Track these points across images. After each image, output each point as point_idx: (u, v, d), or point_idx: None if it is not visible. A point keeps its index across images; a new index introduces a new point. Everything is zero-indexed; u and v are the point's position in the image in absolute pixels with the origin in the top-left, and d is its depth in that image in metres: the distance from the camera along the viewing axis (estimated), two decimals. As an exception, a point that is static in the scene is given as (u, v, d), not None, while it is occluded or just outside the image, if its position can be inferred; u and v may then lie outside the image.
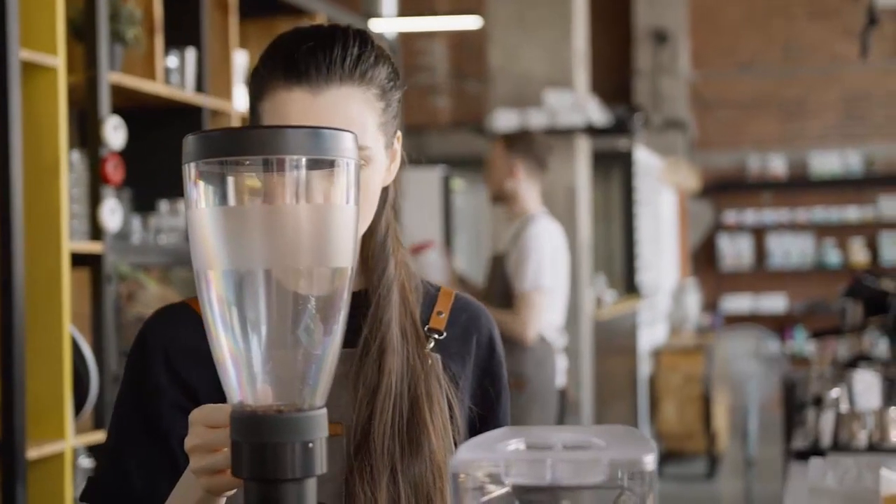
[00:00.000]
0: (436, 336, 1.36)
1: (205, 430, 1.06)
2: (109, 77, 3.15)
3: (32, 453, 2.78)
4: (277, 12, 4.18)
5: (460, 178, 8.12)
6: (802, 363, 7.91)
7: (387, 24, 5.63)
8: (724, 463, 7.83)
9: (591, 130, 6.17)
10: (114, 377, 3.10)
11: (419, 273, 1.41)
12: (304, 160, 0.93)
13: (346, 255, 0.95)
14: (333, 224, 0.95)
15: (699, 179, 10.18)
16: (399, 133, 1.36)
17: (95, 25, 3.10)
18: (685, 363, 7.74)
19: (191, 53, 3.60)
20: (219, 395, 1.00)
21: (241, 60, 3.90)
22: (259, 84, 1.28)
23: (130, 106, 3.45)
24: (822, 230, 10.64)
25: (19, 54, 2.76)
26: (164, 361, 1.32)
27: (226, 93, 3.81)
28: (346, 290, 0.96)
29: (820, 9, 10.62)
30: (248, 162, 0.93)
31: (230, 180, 0.94)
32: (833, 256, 10.57)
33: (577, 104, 6.01)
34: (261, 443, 0.93)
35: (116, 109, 3.23)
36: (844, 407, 2.90)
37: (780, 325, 10.41)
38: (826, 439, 2.79)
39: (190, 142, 0.94)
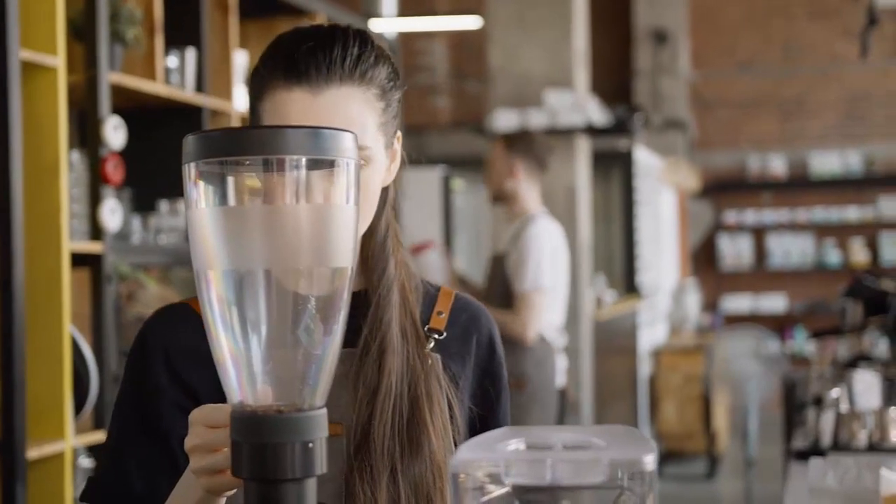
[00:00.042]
0: (436, 336, 1.36)
1: (205, 429, 1.06)
2: (109, 77, 3.15)
3: (32, 453, 2.78)
4: (277, 12, 4.18)
5: (460, 179, 8.12)
6: (802, 363, 7.91)
7: (387, 24, 5.64)
8: (724, 463, 7.83)
9: (591, 130, 6.17)
10: (114, 377, 3.10)
11: (419, 273, 1.41)
12: (303, 160, 0.93)
13: (346, 255, 0.95)
14: (333, 224, 0.95)
15: (699, 179, 10.18)
16: (399, 133, 1.36)
17: (95, 25, 3.10)
18: (685, 363, 7.74)
19: (191, 53, 3.60)
20: (219, 395, 1.00)
21: (241, 60, 3.90)
22: (259, 84, 1.28)
23: (130, 106, 3.45)
24: (822, 230, 10.64)
25: (19, 54, 2.76)
26: (164, 361, 1.32)
27: (226, 93, 3.81)
28: (346, 290, 0.96)
29: (820, 9, 10.62)
30: (248, 162, 0.93)
31: (230, 180, 0.94)
32: (833, 256, 10.57)
33: (577, 104, 6.01)
34: (261, 443, 0.93)
35: (116, 109, 3.23)
36: (844, 407, 2.90)
37: (780, 325, 10.41)
38: (826, 439, 2.79)
39: (190, 142, 0.94)
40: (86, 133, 3.17)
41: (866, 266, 10.11)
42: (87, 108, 3.13)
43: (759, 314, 10.54)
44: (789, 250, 10.67)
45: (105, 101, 3.12)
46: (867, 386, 3.05)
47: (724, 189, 10.74)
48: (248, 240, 0.94)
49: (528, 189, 4.18)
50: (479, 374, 1.41)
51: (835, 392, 2.96)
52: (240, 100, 3.85)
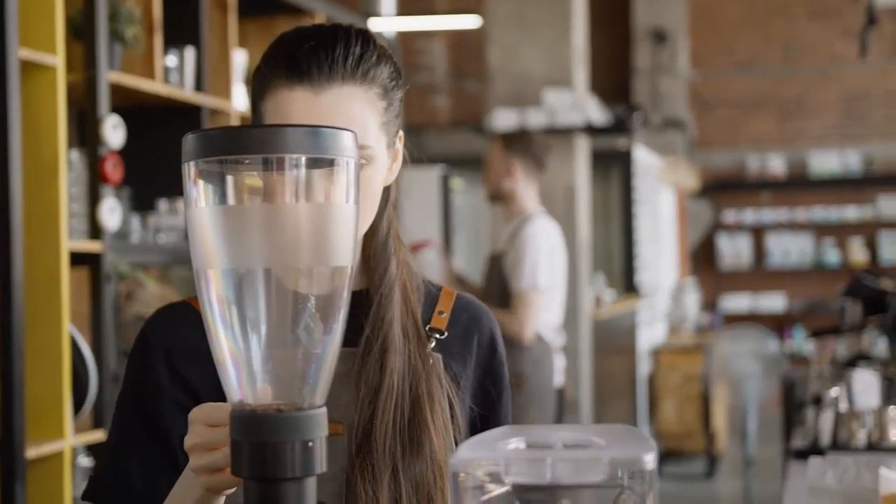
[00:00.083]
0: (437, 336, 1.36)
1: (204, 428, 1.06)
2: (108, 76, 3.15)
3: (31, 452, 2.78)
4: (276, 11, 4.18)
5: (459, 178, 8.12)
6: (801, 362, 7.91)
7: (386, 24, 5.63)
8: (723, 462, 7.83)
9: (591, 130, 6.17)
10: (113, 376, 3.10)
11: (420, 272, 1.42)
12: (303, 159, 0.93)
13: (345, 253, 0.95)
14: (333, 223, 0.95)
15: (698, 179, 10.18)
16: (401, 133, 1.36)
17: (95, 24, 3.10)
18: (684, 362, 7.75)
19: (190, 52, 3.60)
20: (219, 394, 1.00)
21: (240, 59, 3.89)
22: (261, 83, 1.28)
23: (129, 105, 3.45)
24: (821, 230, 10.64)
25: (18, 53, 2.76)
26: (164, 360, 1.32)
27: (225, 92, 3.81)
28: (346, 288, 0.96)
29: (819, 8, 10.62)
30: (247, 161, 0.93)
31: (230, 179, 0.94)
32: (832, 256, 10.58)
33: (576, 103, 6.01)
34: (260, 442, 0.93)
35: (115, 108, 3.23)
36: (843, 406, 2.90)
37: (779, 325, 10.42)
38: (825, 438, 2.79)
39: (189, 140, 0.94)
40: (85, 132, 3.17)
41: (865, 265, 10.11)
42: (86, 107, 3.13)
43: (759, 313, 10.54)
44: (788, 250, 10.68)
45: (104, 100, 3.12)
46: (866, 385, 3.05)
47: (723, 188, 10.75)
48: (248, 239, 0.94)
49: (525, 188, 4.18)
50: (480, 374, 1.41)
51: (834, 391, 2.96)
52: (239, 99, 3.85)
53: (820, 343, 4.78)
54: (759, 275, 10.78)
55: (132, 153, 3.26)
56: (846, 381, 3.08)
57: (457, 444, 1.33)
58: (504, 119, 5.91)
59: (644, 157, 8.17)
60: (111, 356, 3.12)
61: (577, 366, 5.90)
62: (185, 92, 3.57)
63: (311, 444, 0.93)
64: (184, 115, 3.62)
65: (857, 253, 10.50)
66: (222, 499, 1.13)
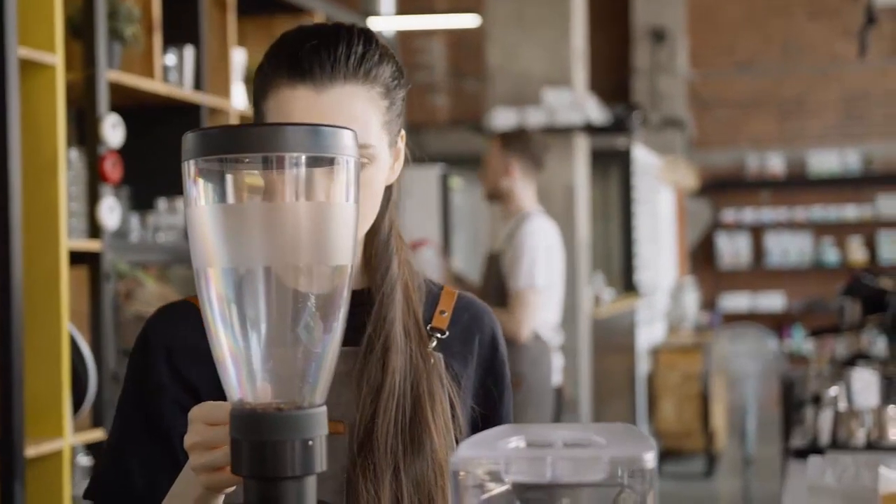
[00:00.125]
0: (438, 335, 1.36)
1: (204, 427, 1.06)
2: (108, 75, 3.15)
3: (31, 451, 2.78)
4: (276, 10, 4.18)
5: (459, 177, 8.11)
6: (801, 361, 7.91)
7: (385, 23, 5.63)
8: (722, 461, 7.83)
9: (590, 129, 6.17)
10: (112, 375, 3.10)
11: (421, 272, 1.42)
12: (303, 158, 0.93)
13: (345, 252, 0.95)
14: (333, 222, 0.95)
15: (697, 178, 10.18)
16: (403, 132, 1.36)
17: (94, 23, 3.10)
18: (683, 361, 7.74)
19: (189, 51, 3.60)
20: (220, 393, 1.00)
21: (239, 58, 3.89)
22: (263, 82, 1.28)
23: (129, 104, 3.45)
24: (820, 229, 10.64)
25: (18, 52, 2.76)
26: (166, 359, 1.32)
27: (224, 91, 3.81)
28: (346, 287, 0.96)
29: (819, 8, 10.62)
30: (247, 159, 0.93)
31: (230, 178, 0.94)
32: (831, 255, 10.58)
33: (575, 103, 6.01)
34: (260, 440, 0.93)
35: (115, 107, 3.23)
36: (843, 405, 2.90)
37: (778, 324, 10.42)
38: (824, 437, 2.79)
39: (189, 139, 0.94)
40: (84, 131, 3.17)
41: (864, 265, 10.12)
42: (85, 106, 3.13)
43: (758, 313, 10.54)
44: (787, 249, 10.68)
45: (103, 99, 3.12)
46: (865, 384, 3.05)
47: (722, 188, 10.75)
48: (248, 237, 0.94)
49: (523, 188, 4.18)
50: (481, 374, 1.41)
51: (833, 390, 2.96)
52: (238, 98, 3.85)
53: (819, 342, 4.79)
54: (759, 274, 10.78)
55: (131, 152, 3.26)
56: (845, 381, 3.08)
57: (458, 443, 1.33)
58: (503, 118, 5.91)
59: (643, 157, 8.17)
60: (110, 355, 3.12)
61: (576, 365, 5.90)
62: (185, 91, 3.57)
63: (310, 442, 0.93)
64: (183, 114, 3.61)
65: (857, 252, 10.51)
66: (221, 497, 1.13)
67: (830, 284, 9.70)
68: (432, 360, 1.34)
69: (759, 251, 10.80)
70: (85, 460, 3.07)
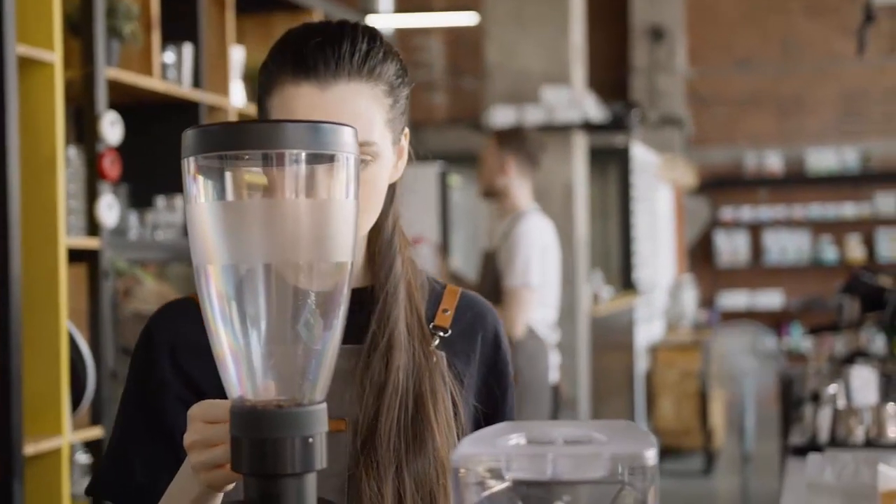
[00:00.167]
0: (441, 333, 1.36)
1: (203, 425, 1.06)
2: (106, 72, 3.15)
3: (29, 449, 2.77)
4: (274, 8, 4.18)
5: (457, 175, 8.11)
6: (799, 359, 7.92)
7: (383, 20, 5.63)
8: (720, 459, 7.83)
9: (588, 127, 6.17)
10: (111, 373, 3.10)
11: (424, 270, 1.42)
12: (303, 154, 0.92)
13: (346, 249, 0.95)
14: (333, 219, 0.95)
15: (696, 176, 10.18)
16: (406, 130, 1.36)
17: (92, 21, 3.10)
18: (682, 359, 7.75)
19: (188, 49, 3.60)
20: (222, 390, 1.00)
21: (237, 56, 3.89)
22: (268, 79, 1.28)
23: (127, 101, 3.45)
24: (818, 227, 10.65)
25: (16, 49, 2.76)
26: (169, 357, 1.32)
27: (222, 88, 3.81)
28: (346, 284, 0.96)
29: (817, 5, 10.62)
30: (247, 156, 0.93)
31: (229, 175, 0.93)
32: (830, 253, 10.58)
33: (574, 100, 6.01)
34: (260, 438, 0.92)
35: (113, 105, 3.23)
36: (842, 403, 2.90)
37: (776, 322, 10.42)
38: (823, 435, 2.79)
39: (189, 136, 0.94)
40: (83, 128, 3.17)
41: (863, 262, 10.13)
42: (83, 103, 3.12)
43: (756, 310, 10.55)
44: (786, 247, 10.68)
45: (102, 96, 3.12)
46: (864, 382, 3.05)
47: (720, 186, 10.75)
48: (248, 234, 0.93)
49: (519, 186, 4.18)
50: (484, 372, 1.41)
51: (832, 388, 2.96)
52: (237, 95, 3.85)
53: (818, 340, 4.79)
54: (757, 272, 10.78)
55: (130, 150, 3.26)
56: (844, 378, 3.08)
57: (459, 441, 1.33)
58: (502, 116, 5.91)
59: (642, 155, 8.17)
60: (109, 353, 3.12)
61: (574, 363, 5.90)
62: (183, 88, 3.57)
63: (311, 440, 0.93)
64: (181, 112, 3.61)
65: (855, 250, 10.51)
66: (219, 496, 1.13)
67: (829, 282, 9.71)
68: (435, 359, 1.34)
69: (757, 249, 10.80)
70: (84, 458, 3.07)
